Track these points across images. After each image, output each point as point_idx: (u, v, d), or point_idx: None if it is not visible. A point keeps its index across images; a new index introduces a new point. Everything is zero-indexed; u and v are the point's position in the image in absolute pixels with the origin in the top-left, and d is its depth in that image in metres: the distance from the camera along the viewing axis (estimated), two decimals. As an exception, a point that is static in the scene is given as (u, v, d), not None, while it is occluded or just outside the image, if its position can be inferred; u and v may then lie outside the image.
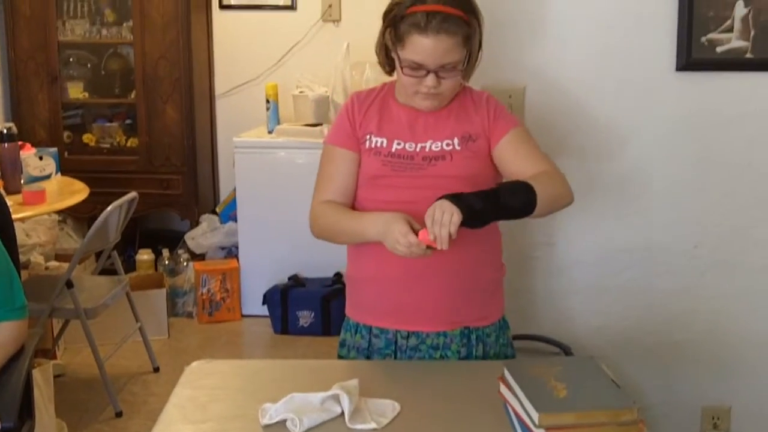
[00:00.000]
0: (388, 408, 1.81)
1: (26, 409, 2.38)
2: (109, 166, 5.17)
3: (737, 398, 2.76)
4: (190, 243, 5.13)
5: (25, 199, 3.75)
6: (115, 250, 4.10)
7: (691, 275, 2.69)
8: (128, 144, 5.25)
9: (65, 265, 3.99)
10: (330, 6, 5.27)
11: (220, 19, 5.43)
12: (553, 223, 2.68)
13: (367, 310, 2.17)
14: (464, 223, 1.83)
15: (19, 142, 4.04)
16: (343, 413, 1.75)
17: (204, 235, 5.12)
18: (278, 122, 4.94)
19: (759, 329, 2.71)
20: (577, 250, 2.70)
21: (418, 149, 2.06)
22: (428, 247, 1.86)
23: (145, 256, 5.09)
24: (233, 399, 1.89)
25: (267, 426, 1.75)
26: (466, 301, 2.11)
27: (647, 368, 2.74)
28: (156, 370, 4.17)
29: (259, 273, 4.77)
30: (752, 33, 2.53)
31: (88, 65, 5.34)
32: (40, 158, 4.18)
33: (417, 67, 1.97)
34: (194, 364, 2.08)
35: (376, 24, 2.06)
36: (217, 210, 5.35)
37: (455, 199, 1.84)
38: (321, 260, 4.56)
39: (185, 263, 5.04)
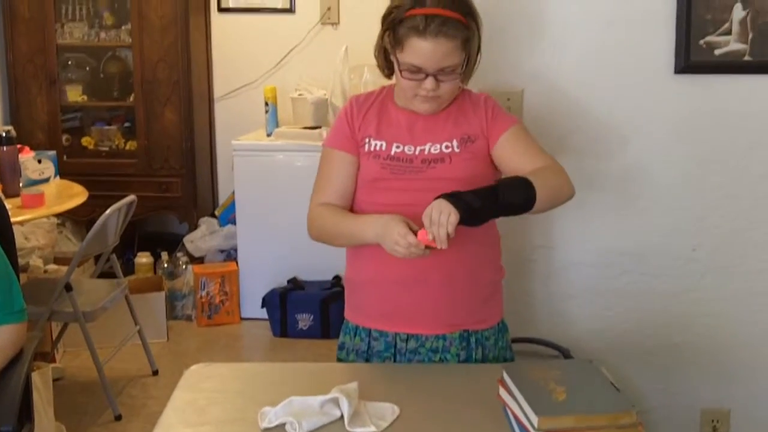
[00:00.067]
0: (387, 411, 1.81)
1: (25, 412, 2.38)
2: (107, 169, 5.17)
3: (737, 401, 2.76)
4: (189, 246, 5.13)
5: (24, 203, 3.76)
6: (114, 253, 4.09)
7: (690, 278, 2.69)
8: (127, 147, 5.25)
9: (64, 269, 3.99)
10: (329, 9, 5.28)
11: (218, 21, 5.43)
12: (552, 226, 2.68)
13: (366, 312, 2.17)
14: (463, 222, 1.83)
15: (18, 146, 4.04)
16: (342, 417, 1.75)
17: (203, 238, 5.12)
18: (277, 125, 4.94)
19: (758, 332, 2.71)
20: (576, 252, 2.70)
21: (417, 152, 2.06)
22: (427, 246, 1.86)
23: (143, 259, 5.09)
24: (232, 402, 1.89)
25: (266, 429, 1.75)
26: (466, 303, 2.11)
27: (646, 371, 2.74)
28: (155, 373, 4.17)
29: (258, 276, 4.77)
30: (750, 36, 2.53)
31: (87, 68, 5.34)
32: (39, 161, 4.18)
33: (416, 70, 1.97)
34: (193, 367, 2.08)
35: (375, 27, 2.06)
36: (216, 213, 5.35)
37: (453, 198, 1.84)
38: (320, 263, 4.55)
39: (184, 266, 5.04)
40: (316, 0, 5.28)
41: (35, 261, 4.40)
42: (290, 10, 5.35)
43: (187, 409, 1.87)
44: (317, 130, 4.73)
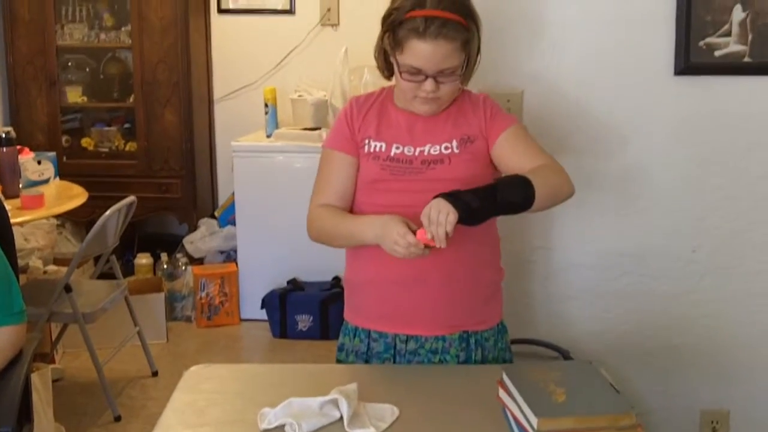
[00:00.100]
0: (387, 412, 1.81)
1: (25, 413, 2.38)
2: (107, 170, 5.17)
3: (736, 402, 2.76)
4: (188, 247, 5.13)
5: (24, 204, 3.76)
6: (114, 254, 4.10)
7: (689, 279, 2.69)
8: (127, 148, 5.26)
9: (64, 270, 3.99)
10: (329, 10, 5.28)
11: (218, 23, 5.43)
12: (551, 227, 2.68)
13: (365, 313, 2.17)
14: (462, 221, 1.83)
15: (18, 147, 4.04)
16: (341, 418, 1.75)
17: (203, 239, 5.12)
18: (277, 126, 4.95)
19: (757, 333, 2.71)
20: (575, 254, 2.70)
21: (416, 153, 2.07)
22: (426, 246, 1.86)
23: (143, 260, 5.09)
24: (232, 403, 1.89)
25: (266, 431, 1.75)
26: (465, 304, 2.11)
27: (646, 372, 2.74)
28: (154, 374, 4.17)
29: (258, 277, 4.77)
30: (750, 37, 2.53)
31: (87, 69, 5.34)
32: (39, 162, 4.18)
33: (416, 72, 1.98)
34: (193, 368, 2.08)
35: (375, 28, 2.06)
36: (216, 214, 5.35)
37: (451, 197, 1.84)
38: (319, 264, 4.56)
39: (184, 267, 5.04)
40: (316, 1, 5.29)
41: (35, 262, 4.40)
42: (290, 11, 5.35)
43: (186, 410, 1.87)
44: (317, 132, 4.73)
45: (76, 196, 4.03)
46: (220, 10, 5.41)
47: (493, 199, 1.90)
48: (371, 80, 4.63)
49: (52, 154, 4.36)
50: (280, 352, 4.51)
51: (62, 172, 4.38)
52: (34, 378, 2.98)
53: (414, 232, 1.87)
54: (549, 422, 1.60)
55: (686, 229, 2.66)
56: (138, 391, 4.02)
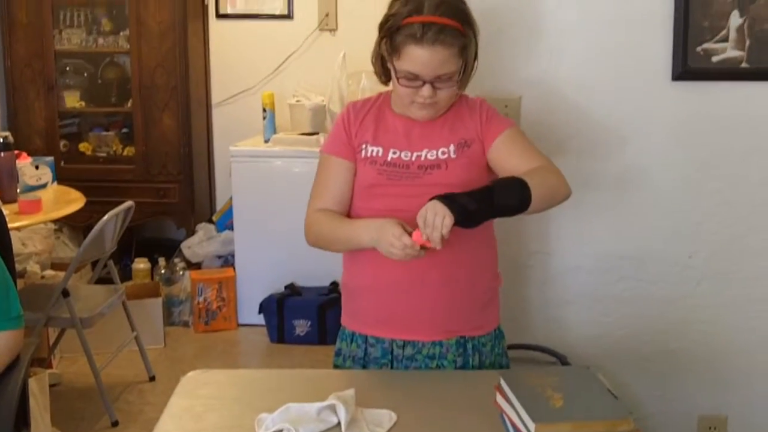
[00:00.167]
0: (384, 418, 1.81)
1: (22, 418, 2.37)
2: (105, 174, 5.18)
3: (734, 407, 2.76)
4: (186, 252, 5.13)
5: (22, 208, 3.76)
6: (111, 259, 4.10)
7: (686, 284, 2.69)
8: (125, 153, 5.26)
9: (61, 274, 3.99)
10: (327, 15, 5.28)
11: (216, 27, 5.43)
12: (548, 232, 2.68)
13: (362, 318, 2.17)
14: (458, 224, 1.83)
15: (16, 151, 4.04)
16: (339, 423, 1.75)
17: (200, 243, 5.12)
18: (275, 131, 4.95)
19: (755, 339, 2.71)
20: (572, 258, 2.70)
21: (413, 158, 2.07)
22: (422, 247, 1.86)
23: (141, 265, 5.08)
24: (229, 409, 1.88)
25: (263, 436, 1.75)
26: (462, 310, 2.11)
27: (643, 377, 2.74)
28: (152, 379, 4.17)
29: (256, 282, 4.77)
30: (747, 43, 2.54)
31: (85, 74, 5.34)
32: (37, 167, 4.18)
33: (413, 77, 1.98)
34: (190, 373, 2.07)
35: (373, 33, 2.07)
36: (214, 219, 5.35)
37: (447, 200, 1.84)
38: (317, 269, 4.56)
39: (181, 272, 5.03)
40: (314, 6, 5.29)
41: (32, 267, 4.40)
42: (288, 16, 5.36)
43: (184, 415, 1.86)
44: (315, 137, 4.73)
45: (74, 201, 4.03)
46: (219, 15, 5.41)
47: (490, 201, 1.89)
48: (369, 85, 4.63)
49: (50, 158, 4.35)
50: (278, 357, 4.50)
51: (60, 177, 4.38)
52: (32, 383, 2.98)
53: (410, 234, 1.87)
54: (547, 428, 1.60)
55: (684, 234, 2.67)
56: (135, 396, 4.01)
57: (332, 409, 1.77)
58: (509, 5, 2.56)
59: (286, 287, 4.71)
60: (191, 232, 5.23)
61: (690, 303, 2.70)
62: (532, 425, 1.61)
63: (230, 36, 5.43)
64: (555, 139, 2.60)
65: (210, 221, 5.32)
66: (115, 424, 3.72)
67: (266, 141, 4.90)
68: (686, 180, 2.64)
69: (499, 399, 1.78)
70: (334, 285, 4.67)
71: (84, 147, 5.28)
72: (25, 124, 5.15)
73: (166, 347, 4.57)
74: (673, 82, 2.58)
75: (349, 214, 2.13)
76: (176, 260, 5.15)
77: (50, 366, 4.07)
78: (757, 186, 2.63)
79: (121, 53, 5.21)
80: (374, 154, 2.08)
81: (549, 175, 2.02)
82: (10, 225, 2.64)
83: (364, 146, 2.10)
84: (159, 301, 4.59)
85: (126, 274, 5.06)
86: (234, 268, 4.88)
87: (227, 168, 4.99)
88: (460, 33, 1.96)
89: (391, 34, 1.98)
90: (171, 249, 5.29)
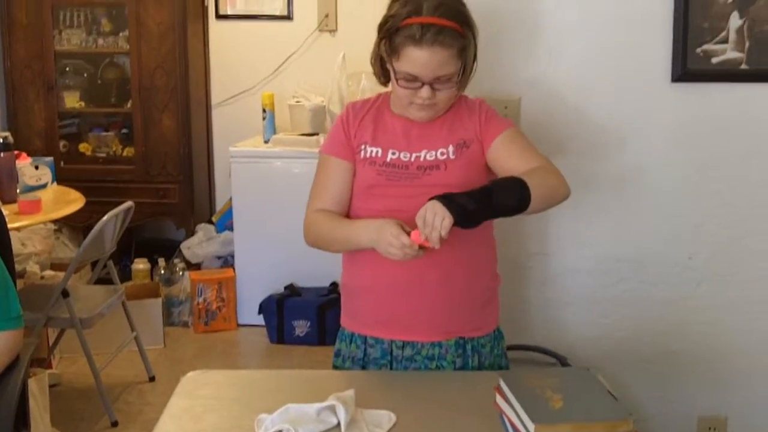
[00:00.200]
0: (384, 419, 1.80)
1: (21, 419, 2.37)
2: (105, 175, 5.18)
3: (733, 409, 2.76)
4: (186, 252, 5.13)
5: (21, 209, 3.76)
6: (111, 259, 4.10)
7: (686, 286, 2.69)
8: (124, 153, 5.26)
9: (61, 275, 3.99)
10: (327, 16, 5.28)
11: (216, 28, 5.43)
12: (548, 233, 2.68)
13: (362, 319, 2.17)
14: (457, 224, 1.83)
15: (15, 152, 4.04)
16: (339, 424, 1.75)
17: (200, 244, 5.12)
18: (274, 132, 4.95)
19: (754, 340, 2.71)
20: (572, 260, 2.70)
21: (412, 159, 2.07)
22: (421, 247, 1.87)
23: (140, 265, 5.08)
24: (229, 410, 1.88)
25: (263, 437, 1.75)
26: (462, 310, 2.11)
27: (643, 379, 2.74)
28: (151, 379, 4.17)
29: (255, 282, 4.77)
30: (747, 44, 2.54)
31: (85, 74, 5.34)
32: (36, 167, 4.18)
33: (412, 79, 1.98)
34: (190, 374, 2.07)
35: (373, 34, 2.06)
36: (213, 219, 5.35)
37: (446, 200, 1.84)
38: (317, 269, 4.56)
39: (181, 272, 5.03)
40: (314, 7, 5.29)
41: (32, 267, 4.40)
42: (288, 17, 5.36)
43: (183, 416, 1.86)
44: (315, 137, 4.73)
45: (74, 201, 4.03)
46: (218, 16, 5.41)
47: (489, 201, 1.89)
48: (369, 86, 4.63)
49: (50, 159, 4.35)
50: (278, 357, 4.50)
51: (60, 177, 4.38)
52: (31, 383, 2.98)
53: (408, 234, 1.87)
54: (546, 429, 1.60)
55: (684, 236, 2.67)
56: (135, 397, 4.01)
57: (332, 409, 1.77)
58: (508, 6, 2.56)
59: (285, 288, 4.71)
60: (191, 233, 5.23)
61: (690, 304, 2.70)
62: (531, 426, 1.61)
63: (230, 37, 5.43)
64: (554, 140, 2.60)
65: (210, 222, 5.32)
66: (114, 424, 3.72)
67: (266, 142, 4.90)
68: (686, 181, 2.64)
69: (499, 400, 1.78)
70: (334, 286, 4.67)
71: (84, 147, 5.28)
72: (25, 125, 5.15)
73: (166, 348, 4.57)
74: (673, 83, 2.57)
75: (348, 215, 2.13)
76: (176, 261, 5.15)
77: (50, 366, 4.07)
78: (757, 187, 2.63)
79: (121, 54, 5.21)
80: (373, 154, 2.09)
81: (548, 175, 2.02)
82: (9, 225, 2.64)
83: (363, 147, 2.10)
84: (159, 301, 4.59)
85: (126, 275, 5.06)
86: (234, 269, 4.88)
87: (227, 168, 4.99)
88: (459, 34, 1.96)
89: (390, 35, 1.98)
90: (171, 249, 5.29)
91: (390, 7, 2.01)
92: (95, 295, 4.02)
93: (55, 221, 4.50)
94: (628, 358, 2.73)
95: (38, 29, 5.07)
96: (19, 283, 3.98)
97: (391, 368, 2.12)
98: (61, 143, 5.22)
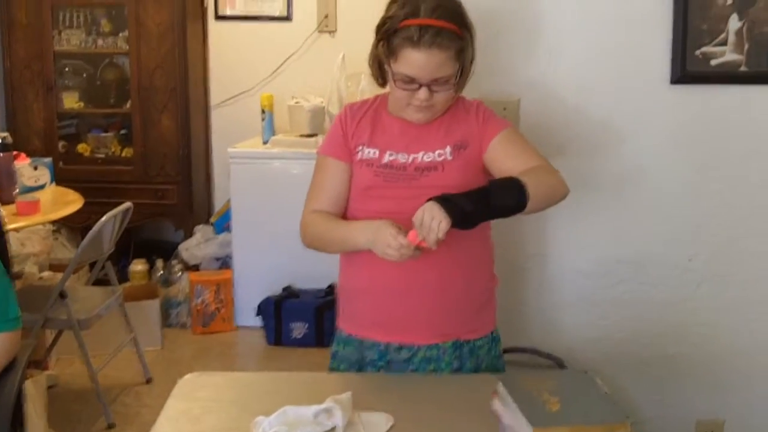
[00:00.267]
0: (381, 421, 1.80)
1: (18, 420, 2.37)
2: (103, 176, 5.18)
3: (732, 412, 2.75)
4: (184, 253, 5.12)
5: (20, 210, 3.75)
6: (109, 260, 4.09)
7: (685, 287, 2.68)
8: (123, 154, 5.26)
9: (59, 276, 3.98)
10: (326, 17, 5.28)
11: (215, 29, 5.44)
12: (546, 235, 2.68)
13: (358, 321, 2.16)
14: (455, 225, 1.82)
15: (14, 152, 4.04)
16: (336, 427, 1.75)
17: (198, 245, 5.11)
18: (273, 133, 4.95)
19: (754, 341, 2.71)
20: (570, 261, 2.69)
21: (410, 160, 2.06)
22: (417, 247, 1.86)
23: (139, 266, 5.08)
24: (226, 411, 1.88)
25: (259, 439, 1.74)
26: (458, 312, 2.11)
27: (641, 381, 2.73)
28: (149, 381, 4.16)
29: (254, 284, 4.76)
30: (746, 46, 2.53)
31: (84, 75, 5.34)
32: (35, 168, 4.18)
33: (409, 80, 1.97)
34: (187, 376, 2.07)
35: (372, 35, 2.06)
36: (212, 220, 5.35)
37: (444, 201, 1.83)
38: (315, 271, 4.55)
39: (179, 274, 5.03)
40: (314, 8, 5.29)
41: (30, 268, 4.40)
42: (287, 18, 5.36)
43: (180, 418, 1.86)
44: (314, 138, 4.73)
45: (72, 202, 4.03)
46: (218, 17, 5.41)
47: (486, 202, 1.89)
48: (368, 87, 4.62)
49: (48, 159, 4.35)
50: (275, 359, 4.50)
51: (58, 178, 4.38)
52: (29, 385, 2.97)
53: (405, 234, 1.87)
54: (544, 432, 1.60)
55: (684, 237, 2.66)
56: (132, 399, 4.01)
57: (329, 412, 1.76)
58: (507, 7, 2.56)
59: (283, 289, 4.71)
60: (189, 234, 5.22)
61: (690, 306, 2.69)
62: (529, 429, 1.60)
63: (229, 37, 5.43)
64: (554, 141, 2.59)
65: (208, 223, 5.32)
66: (111, 426, 3.72)
67: (265, 142, 4.89)
68: (686, 182, 2.64)
69: (496, 403, 1.78)
70: (332, 288, 4.67)
71: (82, 148, 5.28)
72: (24, 125, 5.15)
73: (164, 349, 4.57)
74: (672, 85, 2.57)
75: (345, 216, 2.13)
76: (174, 262, 5.14)
77: (47, 367, 4.07)
78: (757, 188, 2.63)
79: (121, 54, 5.22)
80: (371, 155, 2.08)
81: (546, 174, 2.02)
82: (8, 226, 2.64)
83: (360, 148, 2.10)
84: (157, 302, 4.58)
85: (124, 276, 5.06)
86: (232, 270, 4.87)
87: (226, 169, 4.99)
88: (456, 36, 1.96)
89: (388, 36, 1.97)
90: (169, 250, 5.29)
91: (388, 9, 2.01)
92: (93, 296, 4.01)
93: (53, 222, 4.50)
94: (626, 360, 2.72)
95: (38, 29, 5.07)
96: (18, 283, 3.98)
97: (388, 371, 2.12)
98: (60, 144, 5.22)
